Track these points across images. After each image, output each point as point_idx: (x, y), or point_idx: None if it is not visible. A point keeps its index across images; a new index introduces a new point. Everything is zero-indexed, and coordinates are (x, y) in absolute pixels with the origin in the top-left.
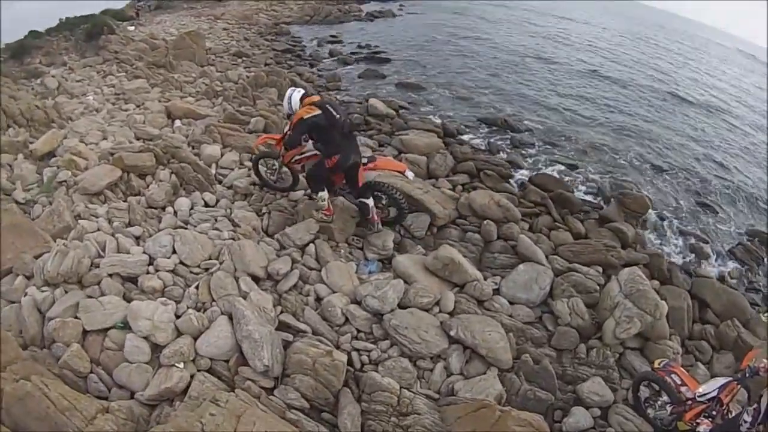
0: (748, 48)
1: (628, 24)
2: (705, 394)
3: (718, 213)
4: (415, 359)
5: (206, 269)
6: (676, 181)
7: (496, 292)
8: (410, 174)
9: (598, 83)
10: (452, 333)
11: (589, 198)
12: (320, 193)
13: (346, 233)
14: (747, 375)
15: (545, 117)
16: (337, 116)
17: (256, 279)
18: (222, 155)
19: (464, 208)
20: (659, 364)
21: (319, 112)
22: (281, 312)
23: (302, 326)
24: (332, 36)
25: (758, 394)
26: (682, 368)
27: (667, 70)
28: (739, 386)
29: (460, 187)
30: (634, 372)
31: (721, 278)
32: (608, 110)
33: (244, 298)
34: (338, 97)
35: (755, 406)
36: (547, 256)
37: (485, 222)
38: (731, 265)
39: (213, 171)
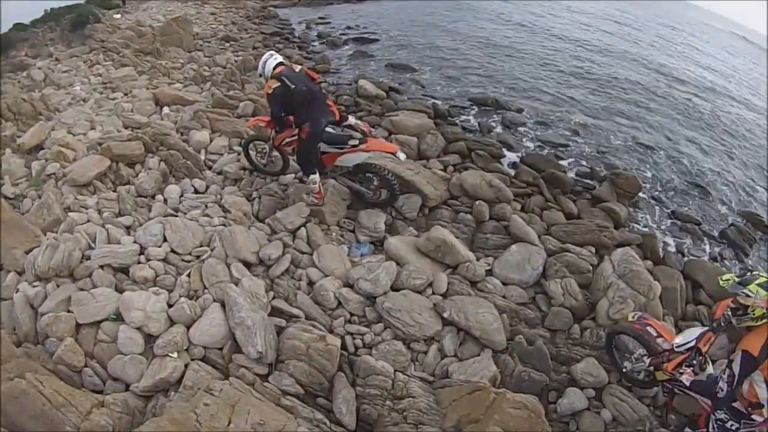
0: (741, 31)
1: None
2: (683, 345)
3: (710, 194)
4: (409, 342)
5: (197, 257)
6: (668, 161)
7: (489, 273)
8: (402, 155)
9: (590, 63)
10: (446, 315)
11: (581, 178)
12: (311, 176)
13: (338, 216)
14: (722, 324)
15: (537, 97)
16: (292, 86)
17: (247, 265)
18: (211, 141)
19: (456, 188)
20: (633, 317)
21: (278, 84)
22: (273, 297)
23: (295, 311)
24: (321, 18)
25: (736, 340)
26: (656, 320)
27: (660, 53)
28: (715, 335)
29: (451, 168)
30: (627, 352)
31: (714, 259)
32: (600, 90)
33: (236, 284)
34: (327, 79)
35: (728, 372)
36: (539, 237)
37: (477, 202)
38: (724, 246)
39: (202, 157)
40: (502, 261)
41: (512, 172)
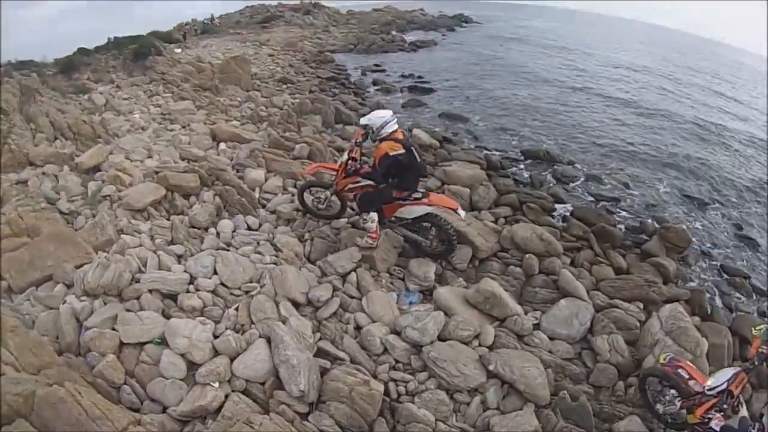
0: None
1: (660, 51)
2: (714, 388)
3: (760, 246)
4: (453, 392)
5: (246, 292)
6: (717, 213)
7: (536, 327)
8: (462, 212)
9: (637, 113)
10: (491, 367)
11: (631, 232)
12: (371, 213)
13: (388, 263)
14: (756, 363)
15: (587, 149)
16: (418, 159)
17: (296, 304)
18: (266, 180)
19: (506, 241)
20: (665, 359)
21: (403, 150)
22: (320, 339)
23: (341, 354)
24: (376, 65)
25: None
26: (688, 362)
27: (709, 99)
28: (748, 375)
29: (502, 220)
30: (661, 395)
31: (762, 314)
32: (649, 141)
33: (284, 322)
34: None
35: (759, 425)
36: (588, 291)
37: (527, 256)
38: None
39: (257, 195)
40: (550, 315)
41: (563, 226)
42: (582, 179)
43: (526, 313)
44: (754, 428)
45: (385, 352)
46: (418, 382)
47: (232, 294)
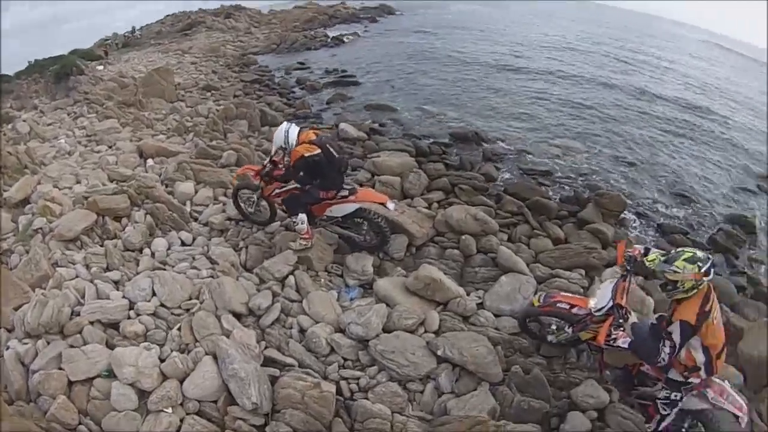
0: (714, 38)
1: (592, 27)
2: (602, 308)
3: (696, 203)
4: (405, 382)
5: (187, 310)
6: (650, 176)
7: (480, 306)
8: (391, 205)
9: (561, 86)
10: (439, 352)
11: (565, 203)
12: (300, 215)
13: (325, 261)
14: (629, 267)
15: (516, 126)
16: (337, 156)
17: (237, 316)
18: (196, 192)
19: (441, 225)
20: (539, 300)
21: (318, 150)
22: (265, 347)
23: (288, 360)
24: (299, 63)
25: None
26: (562, 293)
27: (632, 69)
28: (627, 282)
29: (435, 205)
30: (547, 327)
31: None
32: (575, 112)
33: (227, 336)
34: (308, 123)
35: (669, 343)
36: (528, 265)
37: (463, 237)
38: (713, 252)
39: (188, 209)
40: (493, 293)
41: (497, 204)
42: (512, 155)
43: (468, 294)
44: (665, 346)
45: (333, 352)
46: (369, 377)
47: (173, 314)
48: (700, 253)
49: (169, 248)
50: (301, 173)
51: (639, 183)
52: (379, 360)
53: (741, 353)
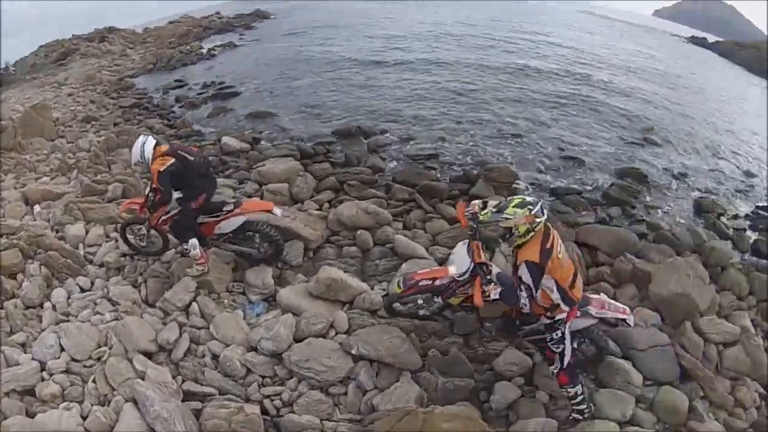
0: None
1: (469, 11)
2: (464, 273)
3: (585, 163)
4: (326, 388)
5: (98, 359)
6: (538, 145)
7: (387, 297)
8: (278, 211)
9: (438, 72)
10: (354, 351)
11: (455, 182)
12: (191, 241)
13: (225, 281)
14: (474, 225)
15: (397, 117)
16: (192, 158)
17: (149, 354)
18: (87, 233)
19: (335, 224)
20: (401, 285)
21: (173, 159)
22: (183, 381)
23: (207, 389)
24: (177, 80)
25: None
26: (418, 271)
27: (513, 47)
28: (475, 240)
29: (326, 205)
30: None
31: (602, 220)
32: (456, 97)
33: (143, 378)
34: (190, 141)
35: (524, 286)
36: (427, 249)
37: (358, 232)
38: (608, 206)
39: (81, 252)
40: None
41: (387, 194)
42: (397, 144)
43: (372, 288)
44: (521, 290)
45: (249, 372)
46: (290, 390)
47: (85, 366)
48: (529, 198)
49: (69, 297)
50: (162, 188)
51: (527, 153)
52: (296, 371)
53: (653, 295)
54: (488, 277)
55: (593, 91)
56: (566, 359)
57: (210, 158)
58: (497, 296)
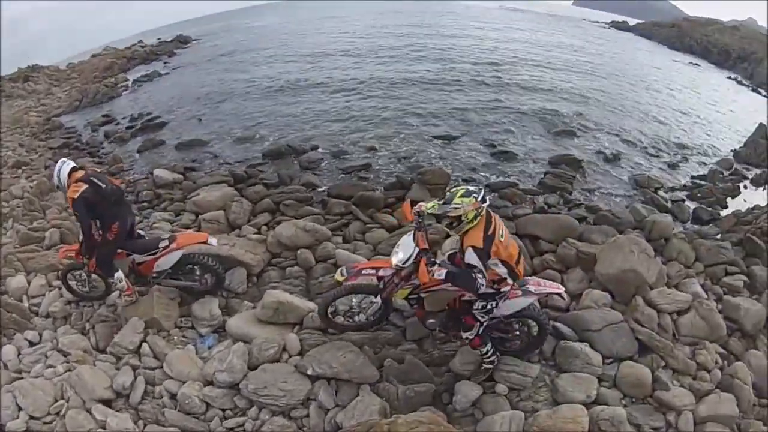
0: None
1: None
2: (408, 259)
3: (518, 155)
4: (288, 412)
5: (57, 413)
6: (468, 141)
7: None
8: (213, 240)
9: (361, 87)
10: (310, 372)
11: (391, 189)
12: (116, 275)
13: (172, 317)
14: (420, 219)
15: (325, 130)
16: (103, 185)
17: (107, 402)
18: (29, 283)
19: (275, 246)
20: (343, 275)
21: (86, 186)
22: (145, 425)
23: (170, 430)
24: (104, 116)
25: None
26: (360, 262)
27: (434, 53)
28: (421, 231)
29: (264, 228)
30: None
31: (541, 209)
32: (379, 103)
33: (104, 428)
34: (122, 176)
35: (476, 269)
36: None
37: (299, 252)
38: (545, 194)
39: (26, 304)
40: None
41: (324, 210)
42: (329, 159)
43: None
44: (477, 273)
45: (210, 407)
46: (252, 419)
47: (45, 423)
48: (471, 187)
49: (19, 354)
50: (78, 215)
51: (459, 153)
52: (255, 399)
53: (600, 275)
54: (433, 259)
55: (519, 90)
56: (482, 330)
57: (122, 186)
58: (441, 276)
